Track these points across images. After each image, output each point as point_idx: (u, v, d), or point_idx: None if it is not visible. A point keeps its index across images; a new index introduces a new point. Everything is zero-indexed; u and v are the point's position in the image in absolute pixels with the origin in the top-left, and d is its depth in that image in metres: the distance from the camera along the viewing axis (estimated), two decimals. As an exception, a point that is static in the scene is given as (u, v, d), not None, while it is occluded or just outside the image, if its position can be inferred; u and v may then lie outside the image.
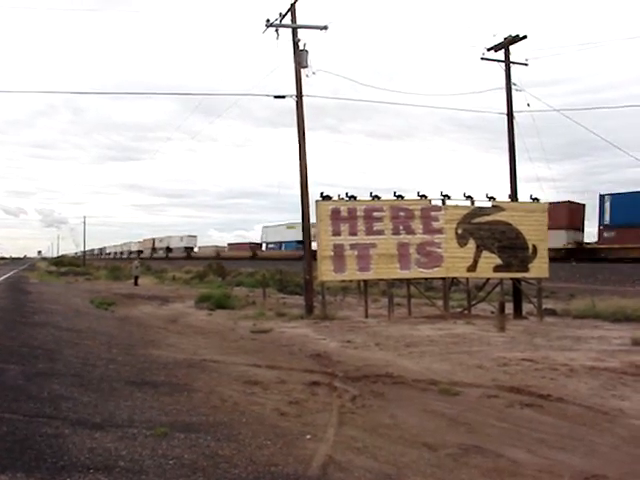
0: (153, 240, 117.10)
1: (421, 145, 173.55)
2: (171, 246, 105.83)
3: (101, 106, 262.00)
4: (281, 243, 79.88)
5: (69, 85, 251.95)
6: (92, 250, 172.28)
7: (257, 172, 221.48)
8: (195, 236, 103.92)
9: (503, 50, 19.82)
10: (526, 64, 20.03)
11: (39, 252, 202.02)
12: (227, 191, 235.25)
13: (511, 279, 19.16)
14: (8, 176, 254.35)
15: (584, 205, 45.57)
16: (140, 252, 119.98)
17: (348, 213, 17.68)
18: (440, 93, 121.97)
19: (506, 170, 19.94)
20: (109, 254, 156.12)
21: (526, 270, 18.75)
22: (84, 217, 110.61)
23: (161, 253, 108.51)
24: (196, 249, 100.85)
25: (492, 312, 17.95)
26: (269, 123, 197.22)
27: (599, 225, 41.29)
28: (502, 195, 19.39)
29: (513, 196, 19.72)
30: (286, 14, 18.35)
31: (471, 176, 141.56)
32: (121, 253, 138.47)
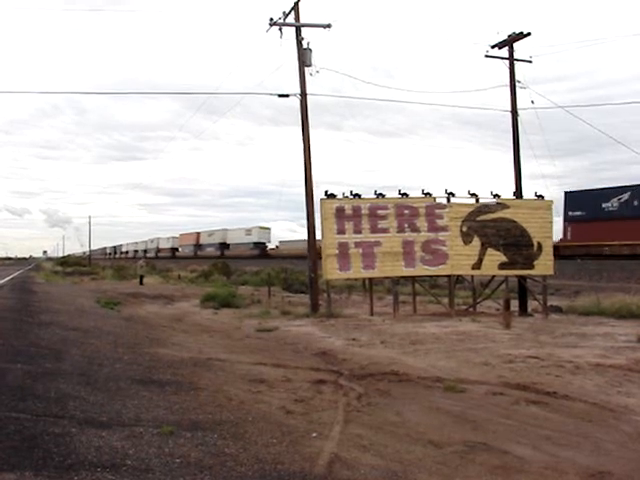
0: (197, 235, 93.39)
1: (424, 143, 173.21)
2: (229, 241, 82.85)
3: (104, 106, 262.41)
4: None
5: (72, 85, 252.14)
6: (104, 249, 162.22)
7: (260, 171, 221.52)
8: (268, 228, 78.18)
9: (507, 47, 19.78)
10: (530, 61, 20.02)
11: (44, 252, 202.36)
12: (230, 190, 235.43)
13: (516, 276, 19.13)
14: (13, 176, 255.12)
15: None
16: (175, 250, 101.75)
17: (353, 211, 17.66)
18: (443, 91, 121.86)
19: (510, 167, 19.92)
20: (126, 252, 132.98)
21: (531, 267, 18.72)
22: (89, 217, 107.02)
23: (211, 250, 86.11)
24: (272, 245, 76.96)
25: (497, 309, 17.95)
26: (271, 121, 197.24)
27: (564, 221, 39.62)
28: (506, 192, 19.40)
29: (518, 193, 19.69)
30: (289, 13, 18.35)
31: (475, 173, 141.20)
32: (144, 251, 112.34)
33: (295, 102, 18.64)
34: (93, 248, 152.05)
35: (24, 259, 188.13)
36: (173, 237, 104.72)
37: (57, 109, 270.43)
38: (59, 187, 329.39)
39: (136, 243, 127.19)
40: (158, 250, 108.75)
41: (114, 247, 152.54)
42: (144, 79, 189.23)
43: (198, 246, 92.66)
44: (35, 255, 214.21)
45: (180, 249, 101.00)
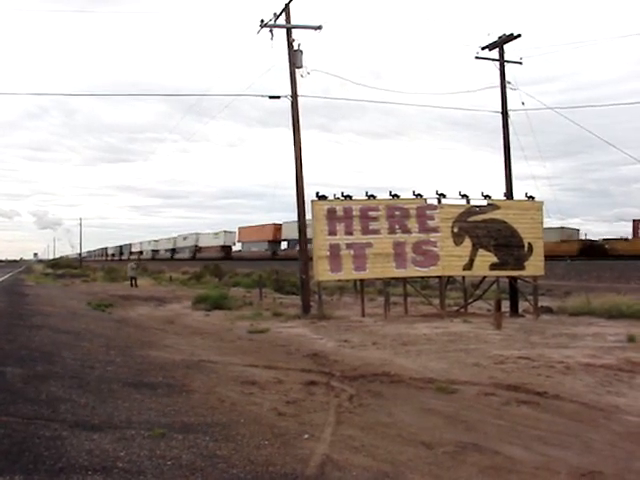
0: (275, 227, 69.49)
1: (413, 144, 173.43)
2: None
3: (92, 108, 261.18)
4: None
5: (60, 87, 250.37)
6: (104, 249, 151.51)
7: (250, 172, 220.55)
8: None
9: (497, 49, 19.89)
10: (520, 63, 20.12)
11: (35, 254, 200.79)
12: (221, 191, 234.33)
13: (507, 277, 19.22)
14: (1, 179, 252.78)
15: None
16: (228, 248, 79.23)
17: (344, 213, 17.68)
18: (434, 92, 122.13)
19: (500, 168, 20.02)
20: (139, 253, 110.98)
21: (522, 268, 18.81)
22: (80, 219, 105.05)
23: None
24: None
25: (488, 310, 18.01)
26: (260, 123, 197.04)
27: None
28: (496, 193, 19.49)
29: (508, 194, 19.79)
30: (280, 14, 18.34)
31: (465, 174, 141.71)
32: (172, 251, 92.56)
33: (285, 103, 18.65)
34: (91, 249, 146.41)
35: (14, 261, 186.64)
36: (225, 231, 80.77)
37: (45, 111, 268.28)
38: (49, 189, 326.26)
39: (156, 241, 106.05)
40: (198, 249, 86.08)
41: (119, 247, 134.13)
42: (133, 80, 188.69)
43: (277, 243, 71.06)
44: (26, 257, 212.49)
45: (240, 247, 79.40)
